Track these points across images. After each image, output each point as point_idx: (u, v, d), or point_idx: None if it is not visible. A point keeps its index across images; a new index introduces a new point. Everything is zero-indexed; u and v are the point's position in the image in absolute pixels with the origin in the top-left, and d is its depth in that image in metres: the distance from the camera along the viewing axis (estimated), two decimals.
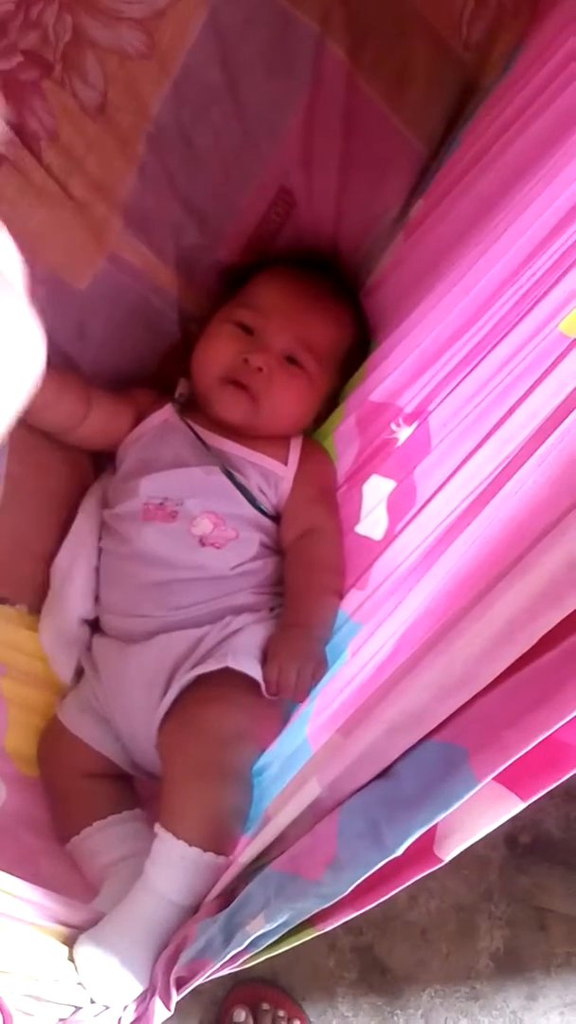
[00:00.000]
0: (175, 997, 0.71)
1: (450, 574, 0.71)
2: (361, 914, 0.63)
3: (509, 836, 1.40)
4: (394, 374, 0.94)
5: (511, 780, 0.54)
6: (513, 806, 0.54)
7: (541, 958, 1.36)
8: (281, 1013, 1.21)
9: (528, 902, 1.38)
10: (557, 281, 0.76)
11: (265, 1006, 1.21)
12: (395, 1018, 1.29)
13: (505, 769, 0.52)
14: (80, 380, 1.02)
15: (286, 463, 1.01)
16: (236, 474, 0.98)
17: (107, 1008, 0.72)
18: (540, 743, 0.50)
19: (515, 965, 1.35)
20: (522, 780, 0.53)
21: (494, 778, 0.53)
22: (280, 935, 0.66)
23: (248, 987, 1.23)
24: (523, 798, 0.54)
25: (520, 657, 0.51)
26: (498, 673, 0.53)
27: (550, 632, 0.50)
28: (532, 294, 0.79)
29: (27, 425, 1.00)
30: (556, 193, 0.78)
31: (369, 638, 0.81)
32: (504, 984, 1.34)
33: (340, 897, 0.60)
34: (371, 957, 1.31)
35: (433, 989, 1.31)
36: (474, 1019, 1.31)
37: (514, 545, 0.54)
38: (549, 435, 0.65)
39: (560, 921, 1.38)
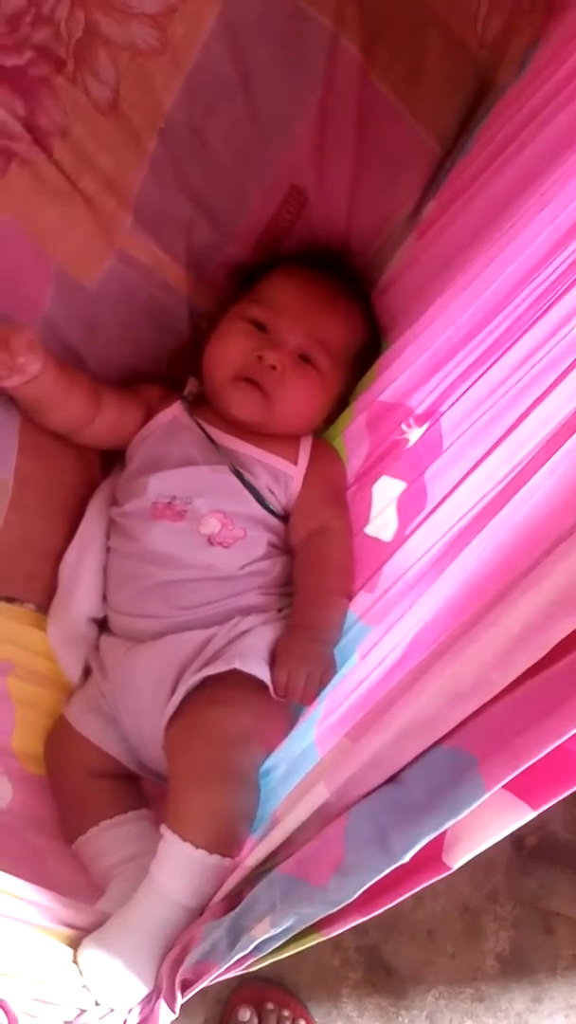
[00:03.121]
0: (180, 999, 0.70)
1: (462, 579, 0.71)
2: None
3: (516, 838, 1.40)
4: (405, 374, 0.94)
5: (521, 788, 0.53)
6: (523, 815, 0.53)
7: (547, 960, 1.36)
8: (286, 1013, 1.21)
9: (534, 904, 1.38)
10: (574, 283, 0.76)
11: (270, 1006, 1.21)
12: (400, 1019, 1.29)
13: (515, 777, 0.51)
14: (89, 379, 1.02)
15: (296, 463, 1.00)
16: (244, 473, 0.98)
17: (112, 1010, 0.72)
18: (552, 752, 0.49)
19: (521, 967, 1.35)
20: (532, 789, 0.53)
21: (504, 786, 0.52)
22: (286, 939, 0.66)
23: (253, 986, 1.23)
24: (533, 807, 0.53)
25: (532, 664, 0.51)
26: (510, 680, 0.52)
27: (563, 640, 0.49)
28: (548, 295, 0.78)
29: (37, 424, 1.00)
30: (573, 194, 0.77)
31: (379, 641, 0.80)
32: (509, 986, 1.33)
33: (346, 903, 0.60)
34: (376, 957, 1.31)
35: (438, 990, 1.31)
36: (479, 1020, 1.31)
37: (528, 551, 0.53)
38: (565, 439, 0.64)
39: (566, 923, 1.38)
